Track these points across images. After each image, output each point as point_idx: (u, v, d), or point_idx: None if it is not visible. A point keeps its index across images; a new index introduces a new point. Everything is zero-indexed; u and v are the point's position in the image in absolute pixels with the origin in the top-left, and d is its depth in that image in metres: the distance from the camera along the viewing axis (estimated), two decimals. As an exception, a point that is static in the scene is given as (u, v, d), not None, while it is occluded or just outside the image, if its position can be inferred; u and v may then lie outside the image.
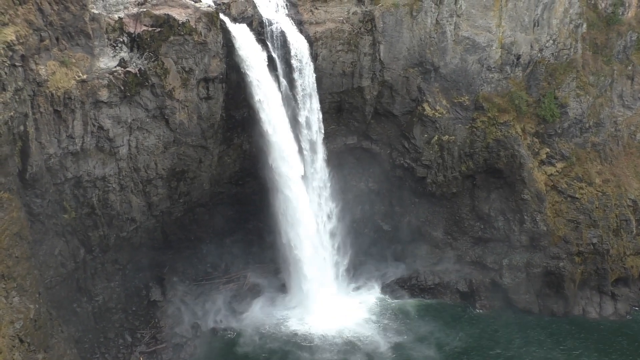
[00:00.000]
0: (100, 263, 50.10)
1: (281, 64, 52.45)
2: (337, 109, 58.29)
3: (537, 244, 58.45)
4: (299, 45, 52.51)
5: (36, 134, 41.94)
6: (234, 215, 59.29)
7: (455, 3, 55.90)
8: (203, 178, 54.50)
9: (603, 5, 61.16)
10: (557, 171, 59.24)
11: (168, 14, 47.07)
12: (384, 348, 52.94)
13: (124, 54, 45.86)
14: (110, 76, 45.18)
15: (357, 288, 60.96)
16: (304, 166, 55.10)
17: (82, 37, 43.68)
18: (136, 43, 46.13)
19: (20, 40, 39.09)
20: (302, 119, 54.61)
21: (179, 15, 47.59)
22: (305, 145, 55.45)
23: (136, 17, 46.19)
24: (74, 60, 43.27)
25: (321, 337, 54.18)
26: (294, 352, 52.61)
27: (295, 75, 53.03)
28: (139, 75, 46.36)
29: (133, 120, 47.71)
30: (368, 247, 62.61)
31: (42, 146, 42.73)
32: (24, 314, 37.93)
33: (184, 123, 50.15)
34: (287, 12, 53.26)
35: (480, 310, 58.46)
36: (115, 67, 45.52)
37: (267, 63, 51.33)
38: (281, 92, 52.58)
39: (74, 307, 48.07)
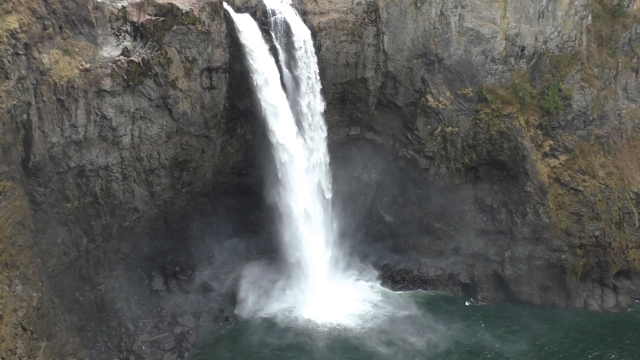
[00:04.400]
0: (102, 252, 50.25)
1: (284, 54, 52.30)
2: (340, 100, 58.15)
3: (540, 237, 58.43)
4: (302, 36, 52.34)
5: (39, 122, 42.02)
6: (237, 205, 59.37)
7: (460, -6, 55.76)
8: (206, 168, 54.53)
9: (609, -3, 60.96)
10: (560, 164, 59.11)
11: (171, 3, 46.93)
12: (384, 339, 53.03)
13: (127, 43, 45.77)
14: (114, 65, 45.13)
15: (358, 279, 61.08)
16: (306, 155, 55.14)
17: (86, 25, 43.60)
18: (139, 32, 46.03)
19: (24, 29, 39.08)
20: (304, 109, 54.49)
21: (183, 4, 47.47)
22: (308, 134, 55.37)
23: (139, 6, 46.04)
24: (77, 49, 43.21)
25: (321, 327, 54.27)
26: (294, 341, 52.74)
27: (299, 65, 52.89)
28: (142, 64, 46.29)
29: (136, 109, 47.69)
30: (370, 238, 62.67)
31: (45, 135, 42.80)
32: (27, 303, 38.11)
33: (187, 113, 50.11)
34: (291, 2, 53.04)
35: (482, 302, 58.60)
36: (118, 56, 45.45)
37: (270, 53, 51.20)
38: (284, 82, 52.47)
39: (77, 295, 48.27)
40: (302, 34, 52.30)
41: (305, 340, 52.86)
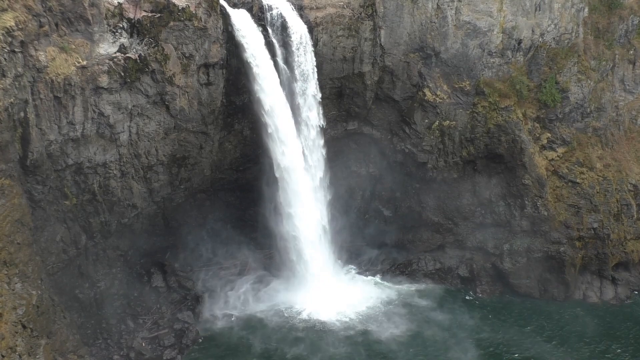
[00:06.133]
0: (101, 249, 50.22)
1: (281, 50, 52.25)
2: (337, 95, 58.17)
3: (538, 229, 58.52)
4: (299, 31, 52.27)
5: (36, 120, 41.90)
6: (235, 201, 59.40)
7: (456, -13, 55.71)
8: (204, 164, 54.50)
9: (605, -11, 60.89)
10: (558, 156, 59.15)
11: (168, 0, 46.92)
12: (385, 333, 53.08)
13: (124, 39, 45.66)
14: (110, 62, 44.98)
15: (358, 273, 61.20)
16: (304, 150, 55.13)
17: (82, 22, 43.47)
18: (136, 29, 45.92)
19: (20, 26, 38.93)
20: (301, 105, 54.48)
21: (179, 0, 47.36)
22: (305, 129, 55.34)
23: (136, 3, 45.94)
24: (73, 46, 43.10)
25: (321, 322, 54.28)
26: (294, 337, 52.73)
27: (295, 60, 52.84)
28: (139, 61, 46.16)
29: (133, 106, 47.60)
30: (368, 232, 62.73)
31: (42, 132, 42.70)
32: (27, 300, 38.10)
33: (185, 109, 50.05)
34: (287, -4, 53.05)
35: (481, 295, 58.67)
36: (115, 53, 45.33)
37: (266, 48, 51.12)
38: (281, 77, 52.43)
39: (76, 293, 48.22)
40: (298, 29, 52.24)
41: (306, 335, 52.88)
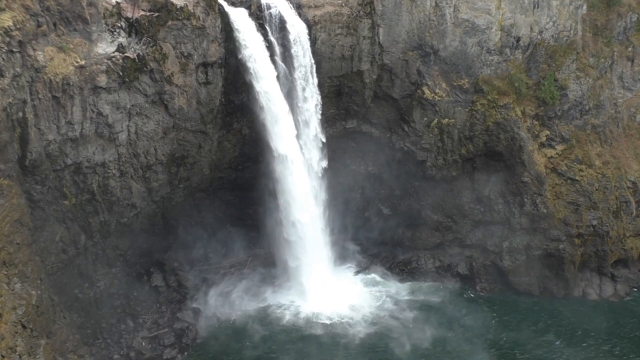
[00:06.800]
0: (101, 249, 50.16)
1: (279, 48, 52.18)
2: (336, 93, 58.13)
3: (537, 227, 58.53)
4: (297, 29, 52.22)
5: (35, 120, 41.83)
6: (234, 200, 59.37)
7: (455, -15, 55.66)
8: (203, 163, 54.47)
9: (603, -14, 60.87)
10: (557, 153, 59.19)
11: (166, -2, 46.80)
12: (385, 331, 53.05)
13: (122, 39, 45.57)
14: (109, 62, 44.91)
15: (357, 272, 61.15)
16: (302, 149, 55.11)
17: (80, 22, 43.37)
18: (134, 28, 45.85)
19: (18, 26, 38.85)
20: (300, 103, 54.42)
21: (177, -1, 47.37)
22: (304, 128, 55.29)
23: (134, 2, 45.89)
24: (71, 46, 42.99)
25: (322, 322, 54.25)
26: (294, 337, 52.70)
27: (294, 59, 52.78)
28: (137, 60, 46.10)
29: (132, 105, 47.53)
30: (368, 231, 62.71)
31: (41, 132, 42.63)
32: (26, 300, 38.05)
33: (183, 108, 50.00)
34: (285, -5, 52.95)
35: (481, 293, 58.68)
36: (113, 52, 45.24)
37: (265, 47, 51.05)
38: (279, 76, 52.37)
39: (76, 293, 48.17)
40: (297, 28, 52.17)
41: (307, 334, 52.87)
